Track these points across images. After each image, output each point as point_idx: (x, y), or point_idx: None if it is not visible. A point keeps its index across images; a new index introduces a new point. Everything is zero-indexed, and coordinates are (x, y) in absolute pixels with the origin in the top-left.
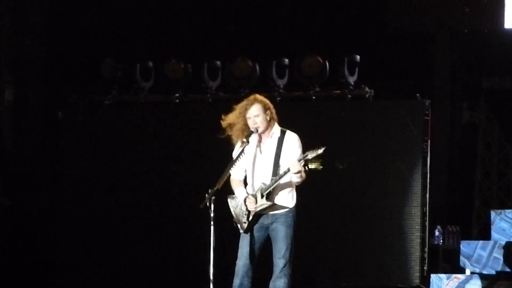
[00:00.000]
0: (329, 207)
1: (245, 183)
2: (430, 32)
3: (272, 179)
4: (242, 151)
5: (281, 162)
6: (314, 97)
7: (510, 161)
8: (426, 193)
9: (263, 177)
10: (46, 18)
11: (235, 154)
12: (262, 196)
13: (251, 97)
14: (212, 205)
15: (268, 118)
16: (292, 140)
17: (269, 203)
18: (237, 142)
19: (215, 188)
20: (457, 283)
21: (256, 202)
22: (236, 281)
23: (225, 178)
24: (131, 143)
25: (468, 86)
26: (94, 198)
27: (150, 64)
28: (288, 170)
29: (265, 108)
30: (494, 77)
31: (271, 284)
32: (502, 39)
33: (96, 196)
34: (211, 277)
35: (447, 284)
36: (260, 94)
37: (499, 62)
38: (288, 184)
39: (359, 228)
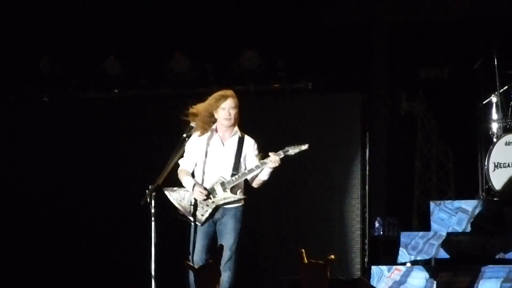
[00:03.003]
0: (269, 201)
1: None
2: (368, 23)
3: (235, 174)
4: (180, 146)
5: (241, 160)
6: (252, 92)
7: (449, 151)
8: (366, 184)
9: (222, 171)
10: None
11: (187, 146)
12: (224, 190)
13: (227, 91)
14: (153, 201)
15: (237, 116)
16: (252, 144)
17: (237, 196)
18: (198, 131)
19: (156, 184)
20: (399, 275)
21: (212, 194)
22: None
23: (166, 174)
24: (70, 140)
25: (406, 77)
26: (32, 196)
27: (89, 60)
28: (263, 163)
29: (237, 105)
30: (432, 68)
31: None
32: (438, 30)
33: (34, 194)
34: (153, 273)
35: (389, 276)
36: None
37: (436, 53)
38: (243, 180)
39: (299, 221)
